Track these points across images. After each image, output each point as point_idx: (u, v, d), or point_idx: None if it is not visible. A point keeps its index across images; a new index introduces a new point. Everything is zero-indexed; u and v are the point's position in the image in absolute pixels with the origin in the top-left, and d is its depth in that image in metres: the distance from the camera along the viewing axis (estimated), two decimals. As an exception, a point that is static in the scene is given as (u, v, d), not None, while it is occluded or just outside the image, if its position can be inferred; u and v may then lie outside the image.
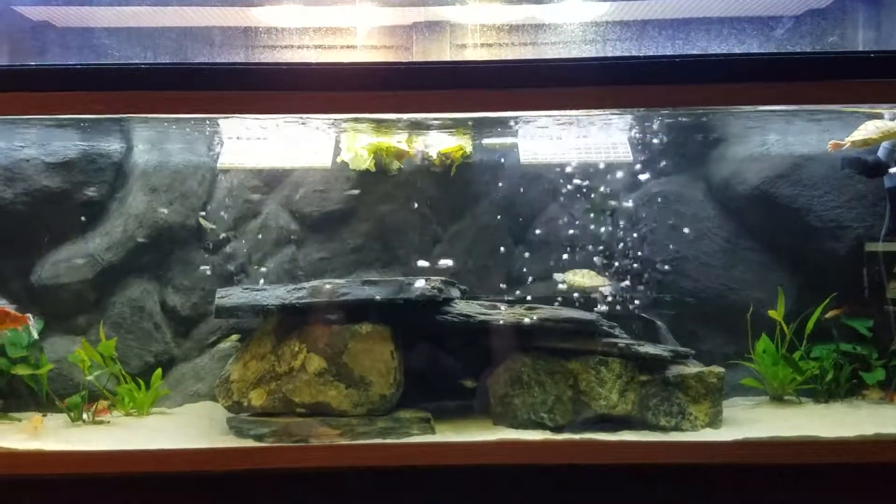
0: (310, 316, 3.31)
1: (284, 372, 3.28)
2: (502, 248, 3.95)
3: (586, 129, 3.68)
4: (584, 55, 3.49)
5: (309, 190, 3.99)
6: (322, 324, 3.29)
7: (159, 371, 3.73)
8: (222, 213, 3.98)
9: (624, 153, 3.82)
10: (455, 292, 3.56)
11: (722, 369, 3.38)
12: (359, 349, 3.26)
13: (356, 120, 3.44)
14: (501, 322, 3.34)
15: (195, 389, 3.87)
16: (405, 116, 3.27)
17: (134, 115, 3.22)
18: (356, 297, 3.28)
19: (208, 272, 3.97)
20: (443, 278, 3.49)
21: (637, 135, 3.79)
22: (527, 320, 3.34)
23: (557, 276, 3.70)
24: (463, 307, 3.43)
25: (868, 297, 3.68)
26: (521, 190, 3.96)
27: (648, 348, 3.35)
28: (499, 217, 3.96)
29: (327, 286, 3.32)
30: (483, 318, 3.37)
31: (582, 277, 3.60)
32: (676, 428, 3.26)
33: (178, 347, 3.96)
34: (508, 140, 3.82)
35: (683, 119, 3.68)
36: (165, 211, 3.85)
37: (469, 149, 3.87)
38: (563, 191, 3.92)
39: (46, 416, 3.65)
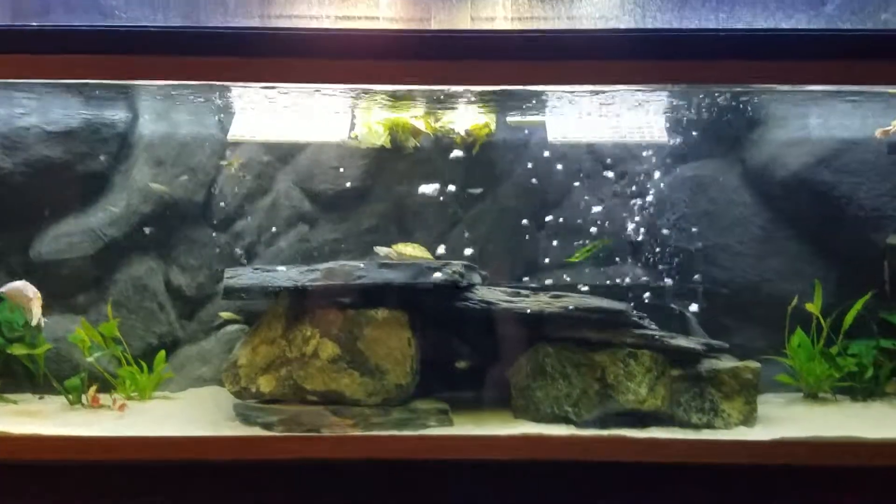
0: (323, 299, 3.16)
1: (295, 358, 3.13)
2: (525, 233, 3.78)
3: (619, 107, 3.41)
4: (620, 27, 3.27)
5: (322, 166, 3.83)
6: (336, 308, 3.15)
7: (163, 353, 3.59)
8: (234, 188, 3.83)
9: (658, 134, 3.62)
10: (476, 277, 3.40)
11: (758, 364, 3.21)
12: (374, 336, 3.12)
13: (371, 93, 3.28)
14: (525, 310, 3.18)
15: (200, 373, 3.73)
16: (423, 89, 3.14)
17: (137, 82, 3.05)
18: (373, 281, 3.14)
19: (216, 251, 3.85)
20: (464, 262, 3.33)
21: (672, 115, 3.60)
22: (552, 309, 3.18)
23: (381, 249, 3.54)
24: (485, 293, 3.27)
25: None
26: (547, 171, 3.76)
27: (681, 341, 3.18)
28: (522, 199, 3.80)
29: (342, 268, 3.19)
30: (506, 305, 3.21)
31: (406, 248, 3.49)
32: (708, 425, 3.11)
33: (182, 329, 3.82)
34: (535, 118, 3.68)
35: (721, 99, 3.50)
36: (159, 186, 3.68)
37: (493, 126, 3.74)
38: (592, 173, 3.75)
39: (43, 399, 3.53)
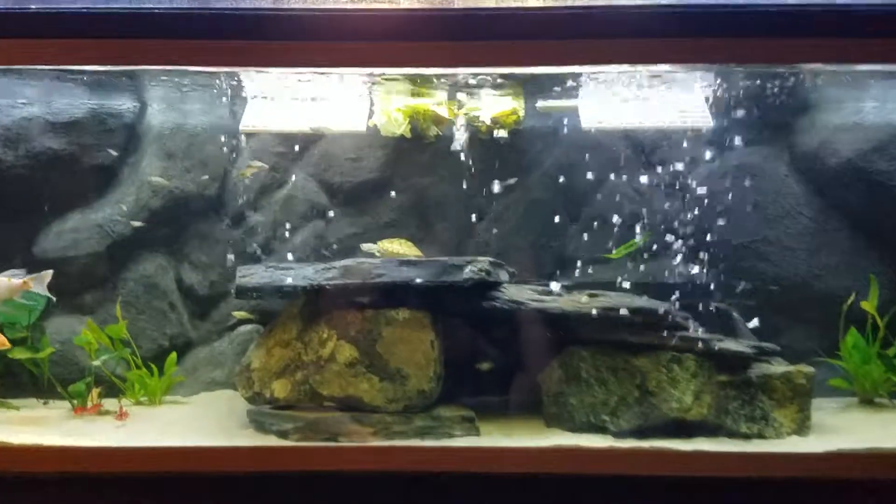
0: (341, 299, 3.03)
1: (311, 361, 3.01)
2: (556, 227, 3.62)
3: (658, 91, 3.29)
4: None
5: (339, 157, 3.71)
6: (354, 308, 3.02)
7: (174, 356, 3.49)
8: (246, 181, 3.69)
9: (701, 119, 3.40)
10: (504, 275, 3.20)
11: (812, 369, 3.05)
12: (395, 338, 2.98)
13: (390, 78, 3.13)
14: (558, 310, 3.02)
15: (212, 377, 3.63)
16: (445, 74, 3.00)
17: (144, 68, 2.98)
18: (393, 280, 2.99)
19: (229, 248, 3.68)
20: (491, 259, 3.12)
21: (715, 99, 3.37)
22: (587, 309, 3.01)
23: (369, 247, 3.40)
24: (513, 292, 3.11)
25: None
26: (580, 160, 3.56)
27: (729, 344, 3.01)
28: (552, 191, 3.62)
29: (361, 266, 3.04)
30: (536, 305, 3.05)
31: (392, 245, 3.35)
32: (759, 435, 2.93)
33: (194, 330, 3.72)
34: (567, 103, 3.46)
35: (769, 81, 3.28)
36: (160, 179, 3.54)
37: (521, 113, 3.54)
38: (628, 162, 3.58)
39: (48, 404, 3.39)
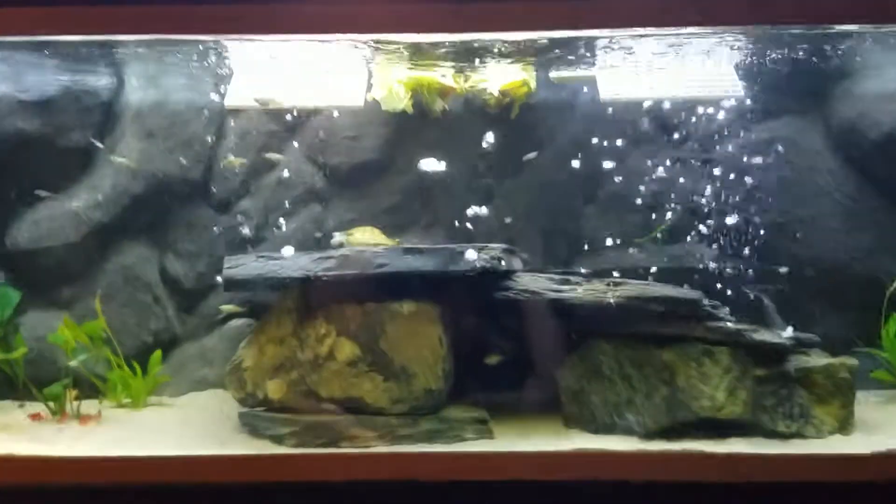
0: (339, 291, 2.86)
1: (308, 359, 2.85)
2: (571, 208, 3.43)
3: (684, 57, 3.05)
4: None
5: (336, 136, 3.51)
6: (354, 301, 2.84)
7: (159, 353, 3.31)
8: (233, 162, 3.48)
9: (729, 89, 3.22)
10: (517, 263, 3.05)
11: (855, 361, 2.88)
12: (399, 333, 2.82)
13: (391, 46, 2.90)
14: (577, 300, 2.84)
15: (202, 375, 3.43)
16: (449, 40, 2.77)
17: (123, 38, 2.76)
18: (396, 269, 2.82)
19: (217, 234, 3.49)
20: (503, 246, 2.94)
21: (744, 67, 3.21)
22: (609, 299, 2.82)
23: (337, 237, 3.25)
24: (527, 281, 2.94)
25: None
26: (597, 135, 3.37)
27: (765, 335, 2.81)
28: (567, 169, 3.40)
29: (361, 255, 2.89)
30: (553, 295, 2.87)
31: (363, 234, 3.21)
32: (798, 434, 2.77)
33: (181, 325, 3.52)
34: (583, 72, 3.27)
35: (801, 46, 3.03)
36: (122, 159, 3.33)
37: (532, 84, 3.33)
38: (650, 136, 3.39)
39: (24, 407, 3.18)
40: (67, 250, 3.33)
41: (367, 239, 3.20)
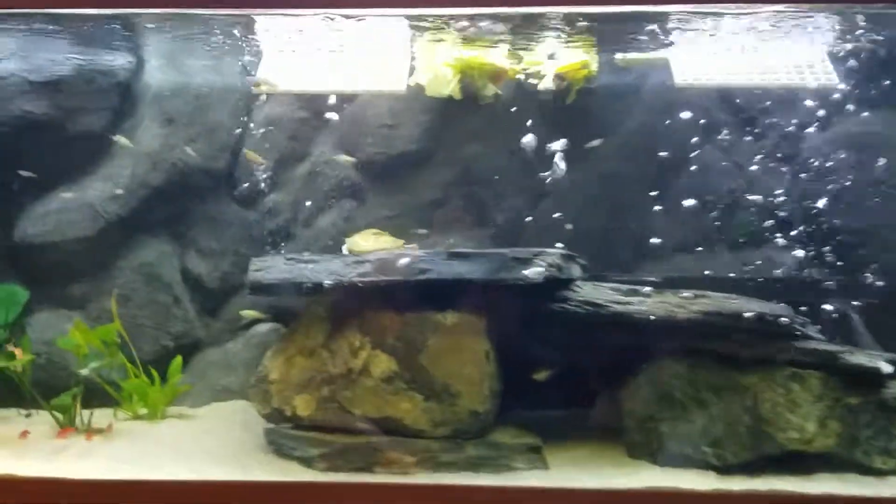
0: (376, 299, 2.70)
1: (341, 374, 2.69)
2: (636, 207, 3.19)
3: (770, 40, 2.84)
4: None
5: (372, 124, 3.30)
6: (392, 310, 2.68)
7: (179, 360, 3.14)
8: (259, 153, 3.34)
9: (819, 76, 3.00)
10: (576, 270, 2.81)
11: None
12: (442, 347, 2.65)
13: (437, 23, 2.72)
14: (648, 315, 2.61)
15: (225, 384, 3.27)
16: (501, 14, 2.58)
17: (143, 12, 2.64)
18: (440, 276, 2.65)
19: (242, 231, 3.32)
20: (561, 251, 2.71)
21: (835, 51, 3.02)
22: (685, 313, 2.60)
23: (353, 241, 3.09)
24: (589, 292, 2.74)
25: None
26: (667, 124, 3.13)
27: (861, 357, 2.59)
28: (632, 162, 3.20)
29: (400, 259, 2.71)
30: (619, 308, 2.65)
31: (365, 240, 3.02)
32: None
33: (203, 328, 3.35)
34: (653, 55, 3.06)
35: None
36: (124, 139, 3.19)
37: (594, 67, 3.11)
38: (727, 127, 3.14)
39: (31, 417, 2.99)
40: (80, 245, 3.19)
41: (370, 244, 2.98)
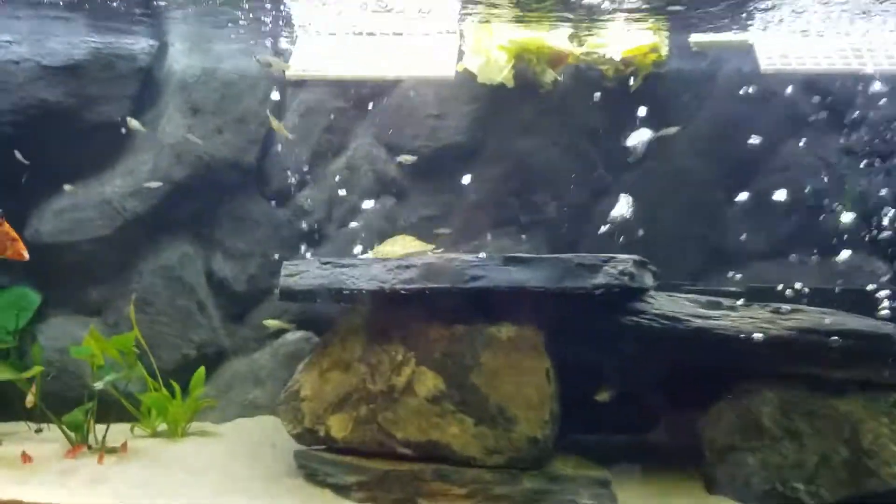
0: (421, 309, 2.47)
1: (381, 392, 2.47)
2: (710, 207, 2.89)
3: (867, 24, 2.55)
4: None
5: (415, 115, 3.01)
6: (440, 322, 2.45)
7: (202, 371, 2.93)
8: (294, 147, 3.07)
9: None
10: (648, 278, 2.48)
11: None
12: (496, 364, 2.39)
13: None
14: (734, 332, 2.29)
15: (251, 398, 3.04)
16: None
17: None
18: (494, 284, 2.38)
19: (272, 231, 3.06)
20: (633, 257, 2.38)
21: None
22: (776, 331, 2.27)
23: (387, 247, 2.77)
24: (665, 304, 2.43)
25: None
26: (748, 116, 2.84)
27: None
28: (707, 158, 2.90)
29: (449, 265, 2.39)
30: (701, 323, 2.33)
31: (393, 246, 2.69)
32: None
33: (228, 337, 3.14)
34: (734, 37, 2.73)
35: None
36: (136, 123, 2.92)
37: (664, 51, 2.80)
38: (816, 119, 2.82)
39: (42, 431, 2.76)
40: (97, 246, 3.06)
41: (396, 249, 2.67)
